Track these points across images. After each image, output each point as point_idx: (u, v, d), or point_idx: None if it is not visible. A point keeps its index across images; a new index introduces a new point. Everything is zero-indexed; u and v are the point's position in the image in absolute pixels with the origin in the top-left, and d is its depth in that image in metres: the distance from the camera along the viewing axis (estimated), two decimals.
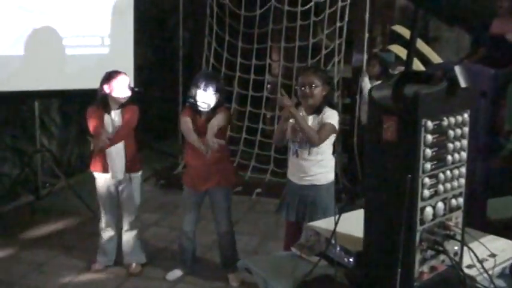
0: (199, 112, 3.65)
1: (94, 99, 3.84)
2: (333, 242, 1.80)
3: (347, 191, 5.37)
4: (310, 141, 3.23)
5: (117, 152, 3.81)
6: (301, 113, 3.35)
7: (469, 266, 1.71)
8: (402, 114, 1.47)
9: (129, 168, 3.86)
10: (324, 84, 3.32)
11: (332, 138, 3.35)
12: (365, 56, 5.72)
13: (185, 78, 6.47)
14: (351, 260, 1.78)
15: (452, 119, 1.55)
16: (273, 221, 4.83)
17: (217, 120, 3.57)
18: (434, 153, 1.51)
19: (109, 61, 4.85)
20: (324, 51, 5.94)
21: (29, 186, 5.57)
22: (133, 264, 3.98)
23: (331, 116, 3.31)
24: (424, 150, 1.48)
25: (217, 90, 3.61)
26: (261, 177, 5.88)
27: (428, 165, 1.50)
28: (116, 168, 3.82)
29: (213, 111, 3.64)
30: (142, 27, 6.08)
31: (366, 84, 5.53)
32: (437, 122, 1.51)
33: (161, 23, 7.55)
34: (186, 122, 3.63)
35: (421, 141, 1.47)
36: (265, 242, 4.59)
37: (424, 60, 6.03)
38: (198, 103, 3.59)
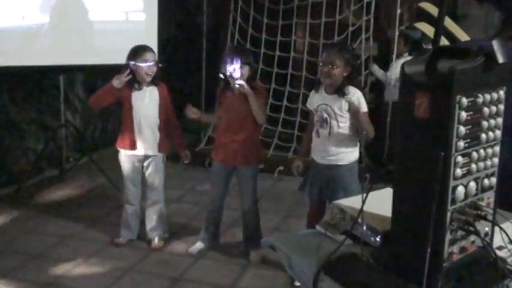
0: (232, 88, 3.60)
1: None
2: (360, 220, 1.77)
3: (371, 170, 5.32)
4: (368, 137, 3.31)
5: (152, 131, 3.85)
6: (321, 92, 3.34)
7: (500, 248, 1.67)
8: (436, 90, 1.42)
9: (160, 147, 3.89)
10: (345, 65, 3.25)
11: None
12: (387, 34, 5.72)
13: (209, 54, 6.44)
14: (378, 239, 1.75)
15: (487, 96, 1.49)
16: (294, 199, 4.82)
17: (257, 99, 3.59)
18: (468, 131, 1.46)
19: (133, 36, 4.83)
20: (350, 28, 5.85)
21: (53, 161, 5.64)
22: (156, 239, 4.01)
23: (361, 100, 3.28)
24: (457, 128, 1.43)
25: (244, 63, 3.53)
26: (284, 155, 5.85)
27: (461, 144, 1.45)
28: (147, 146, 3.85)
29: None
30: (166, 2, 6.03)
31: (376, 70, 5.75)
32: (472, 99, 1.45)
33: None
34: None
35: (455, 119, 1.42)
36: (287, 219, 4.59)
37: (452, 38, 5.89)
38: (230, 79, 3.54)
